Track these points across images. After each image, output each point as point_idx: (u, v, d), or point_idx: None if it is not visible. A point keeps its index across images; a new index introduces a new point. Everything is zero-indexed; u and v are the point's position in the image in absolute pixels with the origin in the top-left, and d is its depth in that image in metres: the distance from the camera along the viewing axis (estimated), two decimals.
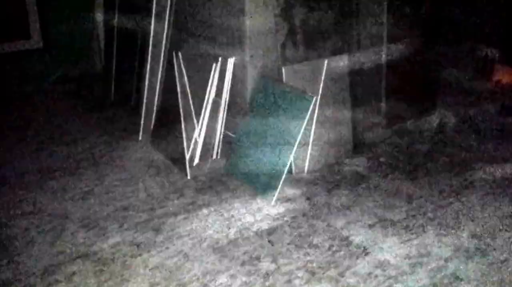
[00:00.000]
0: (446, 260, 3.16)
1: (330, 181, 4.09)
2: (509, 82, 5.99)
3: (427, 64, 4.99)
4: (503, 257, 3.16)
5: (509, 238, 3.34)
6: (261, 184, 3.91)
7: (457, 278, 3.01)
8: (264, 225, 3.54)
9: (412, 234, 3.42)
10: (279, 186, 3.79)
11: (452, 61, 5.80)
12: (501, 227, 3.45)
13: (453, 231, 3.44)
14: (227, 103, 4.23)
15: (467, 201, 3.76)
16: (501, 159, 4.35)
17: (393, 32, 4.59)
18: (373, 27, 4.53)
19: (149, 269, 3.12)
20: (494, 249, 3.24)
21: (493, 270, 3.06)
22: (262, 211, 3.70)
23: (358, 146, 4.53)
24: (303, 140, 3.96)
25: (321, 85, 4.14)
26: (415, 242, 3.34)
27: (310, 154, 4.18)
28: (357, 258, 3.20)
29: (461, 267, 3.10)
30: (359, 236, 3.41)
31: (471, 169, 4.20)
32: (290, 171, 4.06)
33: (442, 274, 3.04)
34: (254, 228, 3.51)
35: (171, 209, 3.75)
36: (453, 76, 5.79)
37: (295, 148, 3.79)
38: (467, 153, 4.46)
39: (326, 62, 4.15)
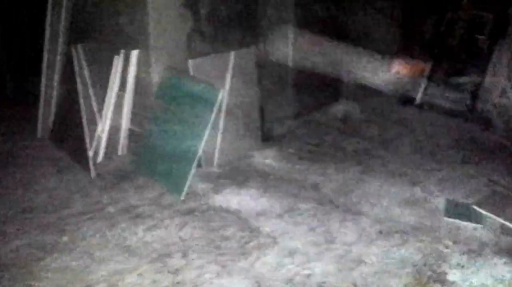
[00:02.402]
0: (350, 245, 3.29)
1: (240, 174, 4.11)
2: (407, 73, 6.36)
3: (332, 57, 5.16)
4: (403, 240, 3.35)
5: (407, 221, 3.55)
6: (170, 179, 3.84)
7: (361, 261, 3.15)
8: (174, 221, 3.48)
9: (319, 221, 3.53)
10: (188, 181, 3.74)
11: (356, 54, 6.05)
12: (400, 211, 3.66)
13: (356, 216, 3.59)
14: (131, 97, 4.11)
15: (369, 188, 3.95)
16: (399, 146, 4.61)
17: (300, 25, 4.69)
18: (280, 20, 4.60)
19: (53, 272, 2.98)
20: (396, 232, 3.42)
21: (393, 252, 3.24)
22: (172, 207, 3.64)
23: (267, 138, 4.60)
24: (211, 134, 3.94)
25: (229, 77, 4.14)
26: (322, 229, 3.45)
27: (219, 147, 4.17)
28: (267, 248, 3.24)
29: (365, 250, 3.24)
30: (269, 227, 3.45)
31: (372, 157, 4.42)
32: (199, 166, 4.02)
33: (347, 258, 3.17)
34: (164, 225, 3.44)
35: (74, 209, 3.59)
36: (357, 68, 6.04)
37: (203, 142, 3.76)
38: (369, 142, 4.68)
39: (233, 54, 4.15)
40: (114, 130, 4.14)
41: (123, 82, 4.08)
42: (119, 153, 4.19)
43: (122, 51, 4.02)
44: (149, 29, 3.91)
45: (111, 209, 3.60)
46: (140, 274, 2.97)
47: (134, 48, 4.02)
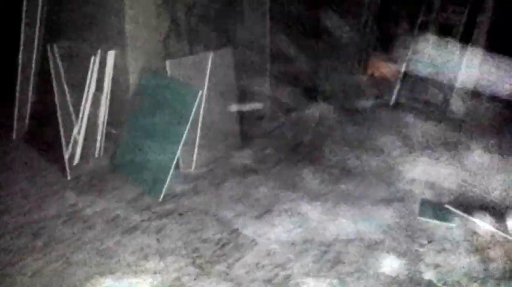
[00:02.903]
0: (328, 245, 3.32)
1: (218, 175, 4.10)
2: (382, 75, 6.44)
3: (309, 58, 5.20)
4: (379, 239, 3.40)
5: (384, 221, 3.60)
6: (147, 181, 3.81)
7: (339, 261, 3.18)
8: (152, 223, 3.46)
9: (298, 222, 3.55)
10: (167, 182, 3.72)
11: (332, 56, 6.09)
12: (376, 211, 3.71)
13: (334, 216, 3.62)
14: (108, 98, 4.06)
15: (346, 188, 3.99)
16: (375, 147, 4.66)
17: (276, 26, 4.71)
18: (256, 21, 4.60)
19: (29, 277, 2.93)
20: (372, 232, 3.47)
21: (370, 251, 3.28)
22: (150, 209, 3.61)
23: (245, 139, 4.60)
24: (190, 135, 3.92)
25: (207, 78, 4.13)
26: (300, 229, 3.47)
27: (198, 148, 4.16)
28: (246, 249, 3.25)
29: (342, 250, 3.28)
30: (247, 228, 3.46)
31: (349, 158, 4.46)
32: (177, 167, 4.00)
33: (326, 258, 3.20)
34: (141, 227, 3.41)
35: (50, 212, 3.53)
36: (333, 70, 6.08)
37: (182, 143, 3.74)
38: (345, 143, 4.73)
39: (211, 55, 4.14)
40: (91, 132, 4.08)
41: (100, 83, 4.03)
42: (96, 154, 4.13)
43: (99, 51, 3.96)
44: (126, 29, 3.86)
45: (87, 211, 3.55)
46: (117, 278, 2.95)
47: (111, 48, 3.97)
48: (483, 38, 5.48)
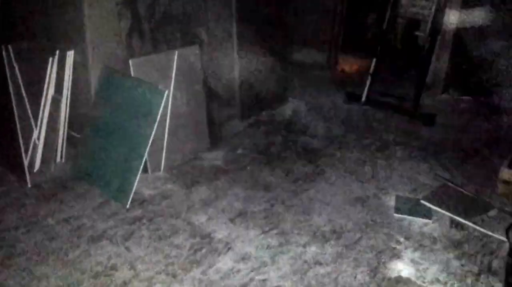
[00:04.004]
0: (304, 246, 3.23)
1: (188, 178, 3.96)
2: (351, 71, 6.44)
3: (279, 55, 5.11)
4: (355, 238, 3.33)
5: (359, 219, 3.53)
6: (113, 186, 3.64)
7: (316, 262, 3.09)
8: (120, 231, 3.29)
9: (272, 223, 3.45)
10: (134, 187, 3.55)
11: (302, 52, 6.04)
12: (352, 209, 3.65)
13: (309, 217, 3.54)
14: (69, 100, 3.87)
15: (320, 187, 3.91)
16: (347, 144, 4.61)
17: (243, 24, 4.61)
18: (223, 17, 4.48)
19: None
20: (348, 231, 3.40)
21: (347, 250, 3.21)
22: (117, 216, 3.44)
23: (215, 140, 4.48)
24: (157, 137, 3.77)
25: (173, 78, 3.99)
26: (275, 231, 3.37)
27: (166, 151, 4.01)
28: (220, 254, 3.13)
29: (319, 251, 3.19)
30: (221, 232, 3.34)
31: (322, 156, 4.39)
32: (145, 170, 3.84)
33: (302, 259, 3.11)
34: (108, 235, 3.24)
35: (9, 222, 3.32)
36: (303, 66, 6.03)
37: (148, 145, 3.59)
38: (317, 141, 4.66)
39: (176, 53, 3.99)
40: (51, 136, 3.88)
41: (59, 85, 3.84)
42: (57, 160, 3.94)
43: (57, 51, 3.78)
44: (85, 28, 3.68)
45: (50, 220, 3.35)
46: None
47: (69, 49, 3.79)
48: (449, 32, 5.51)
